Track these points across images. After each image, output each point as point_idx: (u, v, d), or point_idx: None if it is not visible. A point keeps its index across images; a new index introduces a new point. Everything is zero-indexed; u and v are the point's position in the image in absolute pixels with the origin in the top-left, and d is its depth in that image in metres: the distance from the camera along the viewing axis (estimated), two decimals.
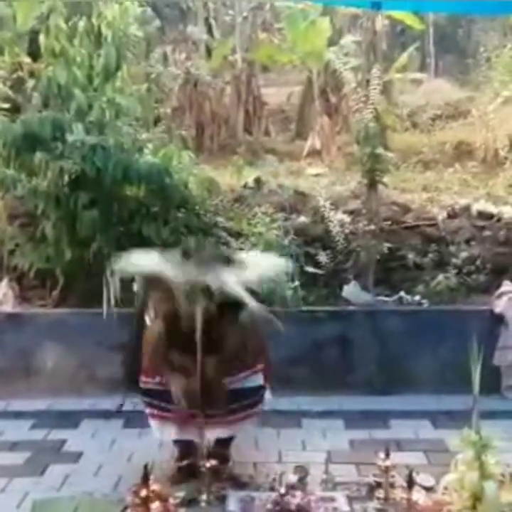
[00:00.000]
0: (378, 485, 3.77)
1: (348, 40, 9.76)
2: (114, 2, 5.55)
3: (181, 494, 3.73)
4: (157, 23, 9.38)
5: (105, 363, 5.24)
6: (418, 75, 11.43)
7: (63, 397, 5.21)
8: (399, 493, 3.67)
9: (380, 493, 3.72)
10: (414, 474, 3.63)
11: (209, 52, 10.46)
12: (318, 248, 5.87)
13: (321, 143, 8.81)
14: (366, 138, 5.65)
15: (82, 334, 5.27)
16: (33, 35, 7.28)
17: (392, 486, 3.72)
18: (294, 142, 9.54)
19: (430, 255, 5.89)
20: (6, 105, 5.51)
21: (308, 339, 5.18)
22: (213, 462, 3.79)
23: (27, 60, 6.04)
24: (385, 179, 5.82)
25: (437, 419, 4.79)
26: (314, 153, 8.76)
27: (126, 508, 3.58)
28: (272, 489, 3.81)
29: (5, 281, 5.55)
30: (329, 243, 5.89)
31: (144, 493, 3.43)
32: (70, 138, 5.15)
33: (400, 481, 3.73)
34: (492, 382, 4.94)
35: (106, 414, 4.93)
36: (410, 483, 3.59)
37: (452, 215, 6.25)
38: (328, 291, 5.69)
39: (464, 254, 5.88)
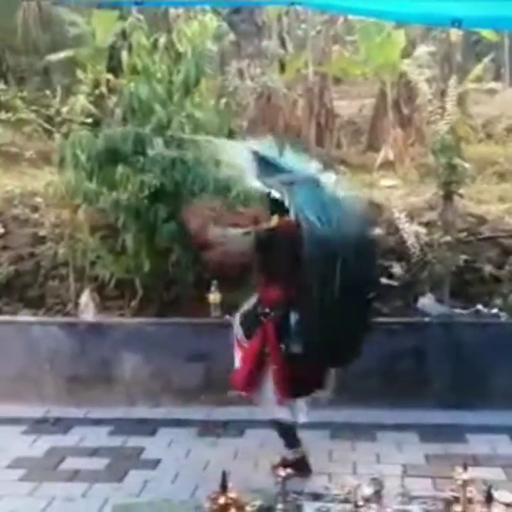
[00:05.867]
0: (455, 500, 3.72)
1: (422, 51, 9.68)
2: (194, 18, 5.66)
3: (258, 502, 3.77)
4: (231, 37, 9.52)
5: (181, 372, 5.36)
6: (493, 85, 11.27)
7: (140, 406, 5.33)
8: (477, 509, 3.62)
9: (457, 507, 3.68)
10: (492, 490, 3.59)
11: (282, 65, 10.55)
12: (393, 260, 5.84)
13: (394, 154, 8.78)
14: (442, 149, 5.61)
15: (159, 344, 5.38)
16: (113, 51, 7.50)
17: (469, 501, 3.67)
18: (366, 154, 9.52)
19: (507, 267, 5.79)
20: (89, 120, 5.65)
21: (383, 351, 5.15)
22: (289, 471, 3.83)
23: (108, 76, 6.20)
24: (461, 190, 5.76)
25: None
26: (387, 165, 8.72)
27: None
28: (347, 501, 3.81)
29: (86, 291, 5.68)
30: (404, 255, 5.85)
31: (222, 500, 3.47)
32: (150, 152, 5.26)
33: (478, 496, 3.68)
34: None
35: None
36: (489, 498, 3.53)
37: None
38: (402, 303, 5.66)
39: None
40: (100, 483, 4.24)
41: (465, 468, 3.67)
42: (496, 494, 3.64)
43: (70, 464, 4.53)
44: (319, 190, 4.13)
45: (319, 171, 4.31)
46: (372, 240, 4.40)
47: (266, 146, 4.34)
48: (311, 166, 4.33)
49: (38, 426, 5.09)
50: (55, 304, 5.92)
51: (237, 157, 4.31)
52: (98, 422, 5.14)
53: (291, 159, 4.32)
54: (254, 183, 4.27)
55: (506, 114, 10.04)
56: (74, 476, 4.36)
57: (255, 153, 4.23)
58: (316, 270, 3.91)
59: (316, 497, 3.94)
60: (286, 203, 4.03)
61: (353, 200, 4.28)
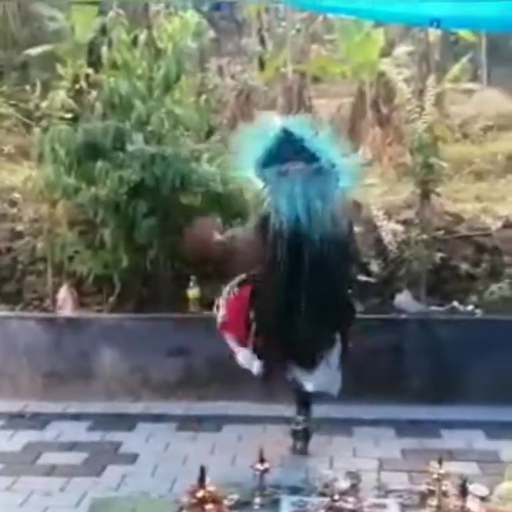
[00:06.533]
0: (431, 493, 3.78)
1: (400, 50, 9.74)
2: (175, 15, 5.67)
3: (235, 496, 3.81)
4: (211, 34, 9.52)
5: (160, 367, 5.36)
6: (470, 86, 11.35)
7: (118, 401, 5.32)
8: (452, 502, 3.68)
9: (433, 500, 3.73)
10: (467, 483, 3.64)
11: (262, 63, 10.57)
12: (371, 257, 5.89)
13: (373, 153, 8.83)
14: (419, 148, 5.66)
15: (138, 339, 5.38)
16: (93, 46, 7.48)
17: (444, 494, 3.73)
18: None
19: (483, 265, 5.87)
20: (68, 115, 5.63)
21: (360, 347, 5.14)
22: (266, 465, 3.87)
23: (88, 71, 6.18)
24: (438, 189, 5.82)
25: (490, 429, 4.76)
26: (365, 164, 8.76)
27: (181, 508, 3.67)
28: (323, 495, 3.85)
29: (65, 286, 5.67)
30: (381, 252, 5.90)
31: (200, 493, 3.51)
32: (130, 147, 5.25)
33: (453, 489, 3.73)
34: None
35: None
36: (464, 491, 3.59)
37: (507, 226, 6.21)
38: (380, 300, 5.71)
39: None
40: (78, 478, 4.22)
41: (440, 462, 3.73)
42: (470, 488, 3.71)
43: (48, 458, 4.52)
44: (314, 181, 4.18)
45: (341, 157, 4.33)
46: (350, 247, 4.54)
47: (301, 125, 4.34)
48: (337, 151, 4.32)
49: (15, 421, 5.07)
50: (32, 299, 5.90)
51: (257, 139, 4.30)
52: (76, 417, 5.12)
53: (323, 141, 4.30)
54: (246, 174, 4.42)
55: (483, 114, 10.12)
56: (52, 470, 4.35)
57: (285, 131, 4.23)
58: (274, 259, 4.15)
59: (294, 491, 3.97)
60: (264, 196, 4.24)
61: (344, 198, 4.40)
